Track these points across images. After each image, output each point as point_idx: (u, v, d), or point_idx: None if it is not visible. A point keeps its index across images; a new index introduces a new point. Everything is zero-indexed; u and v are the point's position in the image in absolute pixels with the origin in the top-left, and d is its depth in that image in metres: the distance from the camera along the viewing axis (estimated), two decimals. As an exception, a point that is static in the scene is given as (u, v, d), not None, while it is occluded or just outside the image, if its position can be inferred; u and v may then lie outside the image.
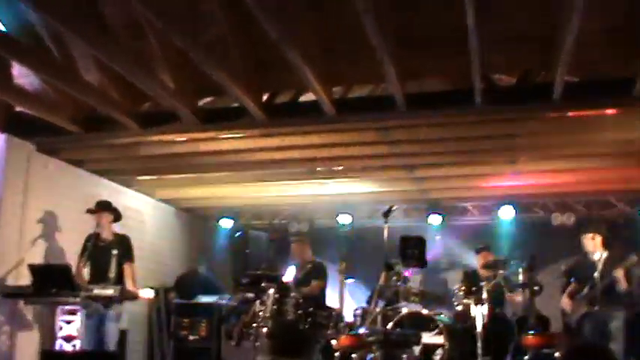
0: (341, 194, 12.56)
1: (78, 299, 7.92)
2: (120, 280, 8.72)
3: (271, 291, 8.04)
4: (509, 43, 7.23)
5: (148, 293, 8.65)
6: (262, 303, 8.16)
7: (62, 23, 6.40)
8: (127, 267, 8.88)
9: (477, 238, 12.35)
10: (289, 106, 8.46)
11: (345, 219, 13.30)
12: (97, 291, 8.01)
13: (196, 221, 14.45)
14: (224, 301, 11.53)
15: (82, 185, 10.66)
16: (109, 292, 8.04)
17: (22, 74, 8.48)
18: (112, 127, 8.91)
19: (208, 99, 8.86)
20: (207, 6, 7.01)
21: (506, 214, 12.59)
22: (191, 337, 11.17)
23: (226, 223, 13.92)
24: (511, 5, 6.86)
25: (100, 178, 11.24)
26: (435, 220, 12.93)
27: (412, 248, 7.79)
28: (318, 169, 10.90)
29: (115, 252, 8.77)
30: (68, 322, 8.16)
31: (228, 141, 9.50)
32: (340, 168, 10.92)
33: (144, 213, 12.50)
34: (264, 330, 7.77)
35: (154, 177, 11.80)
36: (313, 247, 10.69)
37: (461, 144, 9.63)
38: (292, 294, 8.25)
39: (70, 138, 9.23)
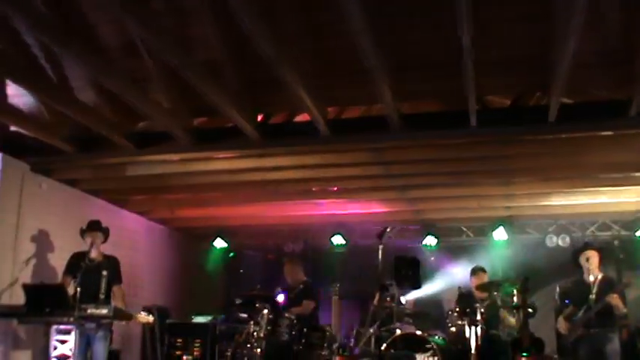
0: (335, 214, 12.53)
1: (72, 319, 7.83)
2: (109, 301, 8.69)
3: (265, 311, 7.98)
4: (504, 64, 7.25)
5: (146, 318, 8.59)
6: (256, 323, 8.11)
7: (57, 44, 6.40)
8: (116, 289, 8.83)
9: (471, 259, 12.30)
10: (284, 126, 8.51)
11: (339, 239, 13.25)
12: (91, 310, 7.93)
13: (190, 241, 14.42)
14: (218, 322, 11.47)
15: (75, 205, 10.63)
16: (104, 311, 7.97)
17: (16, 94, 8.49)
18: (106, 146, 8.94)
19: (203, 119, 8.86)
20: (202, 27, 7.04)
21: (500, 235, 12.56)
22: (185, 357, 11.09)
23: (220, 244, 13.87)
24: (506, 27, 6.87)
25: (94, 198, 11.20)
26: (430, 241, 12.89)
27: (406, 269, 7.75)
28: (313, 189, 10.88)
29: (105, 273, 8.70)
30: (62, 342, 8.06)
31: (222, 161, 9.48)
32: (335, 189, 10.91)
33: (137, 233, 12.45)
34: (258, 351, 7.72)
35: (148, 197, 11.77)
36: (307, 268, 10.66)
37: (455, 165, 9.61)
38: (286, 314, 8.18)
39: (63, 158, 9.23)
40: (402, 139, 8.24)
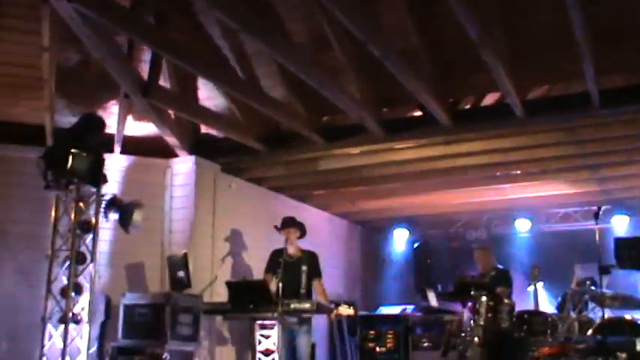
0: (519, 199, 12.19)
1: (276, 314, 7.94)
2: (309, 295, 8.79)
3: (484, 299, 7.78)
4: None
5: (348, 310, 8.63)
6: (474, 311, 7.91)
7: (263, 43, 6.47)
8: (317, 283, 8.92)
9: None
10: (475, 111, 8.35)
11: (523, 224, 12.91)
12: (294, 305, 8.02)
13: (371, 233, 14.47)
14: (409, 312, 11.37)
15: (261, 203, 10.85)
16: (306, 306, 8.05)
17: (207, 97, 8.73)
18: (295, 143, 9.08)
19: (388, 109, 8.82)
20: (397, 15, 7.00)
21: None
22: (378, 349, 11.06)
23: (401, 234, 13.82)
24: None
25: (278, 195, 11.38)
26: (620, 220, 12.30)
27: (629, 249, 7.39)
28: (498, 174, 10.62)
29: (304, 268, 8.81)
30: (266, 337, 8.20)
31: (412, 150, 9.40)
32: (518, 172, 10.60)
33: (320, 227, 12.53)
34: (475, 339, 7.54)
35: (331, 191, 11.83)
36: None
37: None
38: (506, 301, 7.95)
39: (254, 156, 9.43)
40: (602, 115, 7.94)
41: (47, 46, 6.50)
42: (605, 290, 9.30)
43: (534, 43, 7.31)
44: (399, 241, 13.93)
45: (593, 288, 9.20)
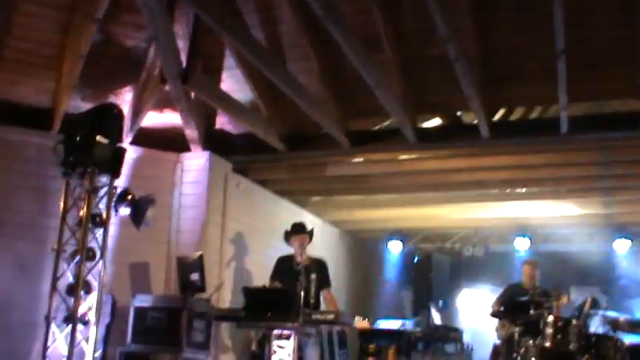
0: (519, 218, 11.95)
1: (296, 324, 7.50)
2: (318, 305, 8.42)
3: (550, 319, 7.43)
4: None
5: (363, 323, 8.26)
6: (529, 331, 7.55)
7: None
8: (327, 293, 8.55)
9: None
10: (516, 123, 8.10)
11: (521, 243, 12.62)
12: (316, 316, 7.60)
13: (362, 243, 14.12)
14: (410, 327, 11.01)
15: (263, 206, 10.42)
16: (330, 317, 7.63)
17: (233, 90, 8.28)
18: (318, 144, 8.78)
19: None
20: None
21: None
22: (378, 364, 10.71)
23: (394, 246, 13.42)
24: None
25: (279, 198, 10.94)
26: (622, 244, 12.13)
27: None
28: (507, 191, 10.37)
29: (313, 276, 8.38)
30: (281, 347, 7.76)
31: (435, 160, 9.11)
32: (523, 190, 10.35)
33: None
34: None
35: (326, 197, 11.47)
36: (489, 272, 10.19)
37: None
38: (574, 321, 7.62)
39: (271, 156, 9.00)
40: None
41: (100, 17, 5.87)
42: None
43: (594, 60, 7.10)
44: (392, 253, 13.54)
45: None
